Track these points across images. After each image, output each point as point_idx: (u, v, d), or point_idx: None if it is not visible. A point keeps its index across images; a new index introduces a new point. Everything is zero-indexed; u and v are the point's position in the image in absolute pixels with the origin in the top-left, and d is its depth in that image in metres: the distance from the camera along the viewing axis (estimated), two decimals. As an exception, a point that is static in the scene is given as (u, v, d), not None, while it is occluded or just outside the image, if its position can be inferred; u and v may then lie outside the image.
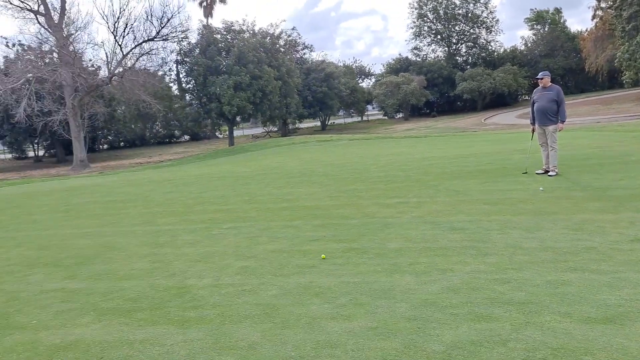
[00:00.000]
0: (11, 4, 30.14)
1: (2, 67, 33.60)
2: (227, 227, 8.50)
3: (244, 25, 39.00)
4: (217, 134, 53.29)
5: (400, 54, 65.88)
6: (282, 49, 40.82)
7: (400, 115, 59.66)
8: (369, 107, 65.43)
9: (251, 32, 38.93)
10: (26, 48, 34.44)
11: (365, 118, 64.96)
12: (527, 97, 59.87)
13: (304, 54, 49.00)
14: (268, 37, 38.87)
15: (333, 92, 46.13)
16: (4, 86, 29.11)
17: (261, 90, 35.60)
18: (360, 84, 60.58)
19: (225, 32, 37.96)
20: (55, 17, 31.16)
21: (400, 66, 61.17)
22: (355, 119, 66.44)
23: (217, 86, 34.45)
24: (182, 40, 35.62)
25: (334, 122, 60.94)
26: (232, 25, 38.34)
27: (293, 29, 47.25)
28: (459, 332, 4.05)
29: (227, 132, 41.19)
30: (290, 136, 40.25)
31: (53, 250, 7.94)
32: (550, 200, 8.32)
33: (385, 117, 62.51)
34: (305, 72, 45.32)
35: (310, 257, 6.41)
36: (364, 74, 66.34)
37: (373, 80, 64.81)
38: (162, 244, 7.77)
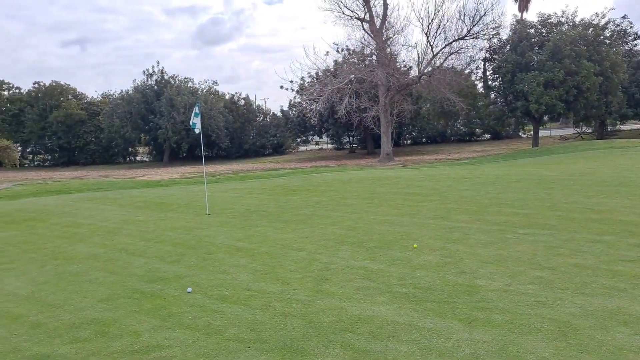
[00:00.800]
0: (344, 14, 34.80)
1: (332, 69, 39.11)
2: (524, 232, 8.07)
3: (562, 17, 35.86)
4: (520, 133, 50.72)
5: None
6: (607, 41, 35.95)
7: None
8: None
9: (571, 24, 35.52)
10: (351, 52, 39.28)
11: None
12: None
13: (635, 45, 42.12)
14: (590, 29, 34.77)
15: (672, 88, 38.49)
16: (332, 86, 33.87)
17: (576, 88, 32.24)
18: None
19: (540, 26, 35.59)
20: (377, 23, 34.53)
21: None
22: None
23: (525, 83, 32.70)
24: (492, 37, 35.00)
25: (668, 125, 50.83)
26: (549, 18, 35.66)
27: (623, 17, 40.77)
28: None
29: (532, 132, 38.79)
30: (608, 139, 35.42)
31: (359, 232, 8.93)
32: None
33: None
34: (634, 66, 38.98)
35: (622, 279, 5.58)
36: None
37: None
38: (455, 240, 7.89)
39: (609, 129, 43.77)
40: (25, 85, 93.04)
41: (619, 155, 20.57)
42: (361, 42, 36.34)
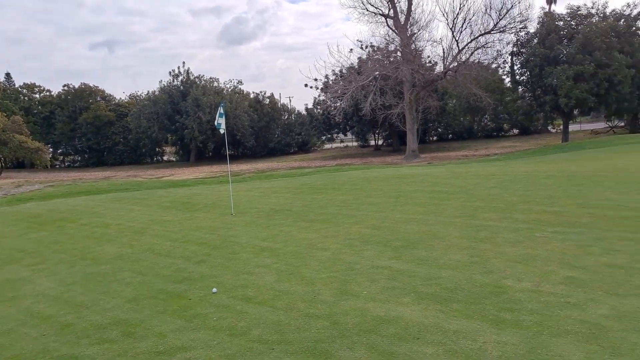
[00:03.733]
0: (367, 10, 34.57)
1: (356, 67, 38.91)
2: (553, 230, 7.87)
3: (592, 8, 34.96)
4: (549, 128, 49.69)
5: None
6: (640, 32, 34.92)
7: None
8: None
9: (601, 15, 34.60)
10: (375, 49, 38.98)
11: None
12: None
13: (670, 35, 40.76)
14: (622, 20, 33.83)
15: None
16: (356, 83, 33.70)
17: (607, 80, 31.42)
18: None
19: (569, 18, 34.79)
20: (402, 19, 34.21)
21: None
22: None
23: (554, 77, 32.00)
24: (520, 30, 34.32)
25: None
26: (579, 10, 34.80)
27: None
28: None
29: (561, 127, 37.94)
30: (641, 133, 34.41)
31: (384, 231, 8.84)
32: None
33: None
34: (668, 57, 37.79)
35: (657, 280, 5.37)
36: None
37: None
38: (482, 239, 7.74)
39: (642, 123, 42.49)
40: (56, 88, 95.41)
41: (653, 149, 19.95)
42: (385, 39, 36.07)
